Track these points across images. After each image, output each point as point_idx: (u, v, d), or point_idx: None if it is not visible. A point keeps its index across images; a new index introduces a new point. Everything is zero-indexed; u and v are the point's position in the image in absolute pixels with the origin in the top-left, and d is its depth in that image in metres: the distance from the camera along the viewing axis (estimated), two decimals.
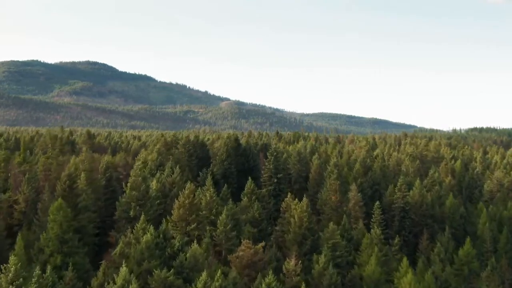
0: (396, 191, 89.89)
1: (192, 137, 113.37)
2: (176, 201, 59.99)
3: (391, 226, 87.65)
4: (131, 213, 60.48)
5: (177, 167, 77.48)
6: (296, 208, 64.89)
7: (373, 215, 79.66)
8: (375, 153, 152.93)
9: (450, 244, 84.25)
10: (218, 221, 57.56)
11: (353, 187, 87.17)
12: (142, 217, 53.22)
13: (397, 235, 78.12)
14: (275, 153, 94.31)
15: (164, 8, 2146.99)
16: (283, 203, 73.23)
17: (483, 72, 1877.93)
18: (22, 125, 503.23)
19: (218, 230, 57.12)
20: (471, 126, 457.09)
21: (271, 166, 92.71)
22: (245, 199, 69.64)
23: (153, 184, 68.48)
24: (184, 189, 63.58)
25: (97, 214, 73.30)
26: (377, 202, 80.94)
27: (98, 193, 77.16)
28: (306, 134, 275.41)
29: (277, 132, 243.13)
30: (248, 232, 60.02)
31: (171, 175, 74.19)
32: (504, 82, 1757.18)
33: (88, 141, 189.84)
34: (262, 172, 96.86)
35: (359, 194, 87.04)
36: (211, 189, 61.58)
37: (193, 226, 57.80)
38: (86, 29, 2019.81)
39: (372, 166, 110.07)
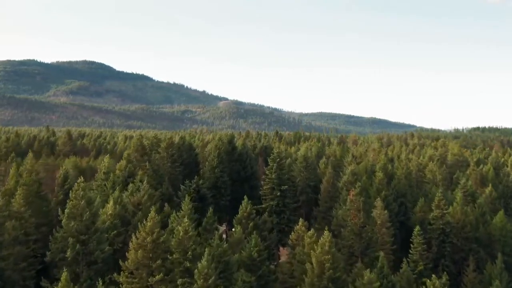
0: (434, 207, 70.59)
1: (177, 138, 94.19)
2: (133, 237, 40.77)
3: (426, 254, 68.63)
4: (68, 253, 41.17)
5: (145, 181, 57.74)
6: (312, 244, 45.53)
7: (411, 245, 60.52)
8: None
9: (504, 277, 65.36)
10: (197, 270, 38.03)
11: (379, 202, 68.24)
12: (65, 275, 33.76)
13: (443, 271, 59.04)
14: (278, 159, 75.36)
15: (162, 8, 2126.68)
16: (292, 233, 53.92)
17: (482, 72, 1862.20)
18: (17, 125, 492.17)
19: (196, 285, 37.65)
20: (469, 125, 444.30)
21: (273, 176, 73.84)
22: (238, 228, 50.14)
23: (108, 206, 49.08)
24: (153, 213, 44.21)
25: (42, 244, 54.57)
26: (417, 227, 61.61)
27: (45, 214, 58.23)
28: (308, 134, 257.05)
29: (277, 132, 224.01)
30: (243, 283, 40.94)
31: (137, 191, 54.55)
32: (501, 82, 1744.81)
33: (69, 142, 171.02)
34: (263, 182, 78.00)
35: (385, 211, 68.24)
36: (186, 220, 41.75)
37: (158, 277, 38.24)
38: (83, 28, 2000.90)
39: (395, 174, 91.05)
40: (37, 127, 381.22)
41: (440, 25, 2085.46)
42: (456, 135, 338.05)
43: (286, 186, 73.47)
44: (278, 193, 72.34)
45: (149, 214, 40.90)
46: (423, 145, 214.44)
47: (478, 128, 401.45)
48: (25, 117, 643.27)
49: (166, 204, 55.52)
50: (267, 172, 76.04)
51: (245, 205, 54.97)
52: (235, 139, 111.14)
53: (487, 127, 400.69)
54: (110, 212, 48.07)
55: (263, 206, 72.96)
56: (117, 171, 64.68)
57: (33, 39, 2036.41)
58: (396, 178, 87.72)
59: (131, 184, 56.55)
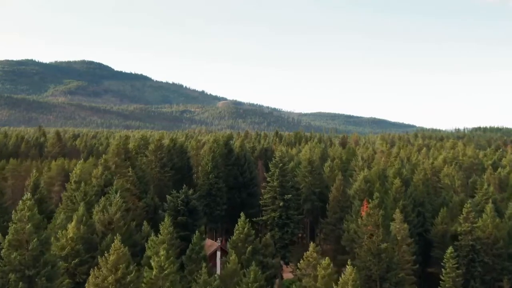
0: (461, 220, 60.91)
1: (167, 140, 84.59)
2: (91, 275, 31.06)
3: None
4: None
5: (118, 192, 47.58)
6: (327, 278, 36.00)
7: (443, 269, 51.01)
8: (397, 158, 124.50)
9: None
10: None
11: (398, 214, 58.81)
12: None
13: None
14: (280, 165, 65.94)
15: (161, 8, 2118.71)
16: (301, 261, 44.23)
17: (481, 72, 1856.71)
18: (14, 125, 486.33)
19: None
20: (468, 125, 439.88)
21: (275, 184, 64.46)
22: (233, 256, 40.37)
23: (70, 228, 39.18)
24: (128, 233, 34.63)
25: None
26: (450, 249, 52.03)
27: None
28: (308, 134, 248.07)
29: (277, 132, 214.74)
30: None
31: (108, 207, 44.41)
32: (500, 82, 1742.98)
33: (58, 143, 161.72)
34: (263, 190, 68.63)
35: (405, 225, 58.82)
36: (163, 251, 31.96)
37: None
38: (82, 28, 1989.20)
39: (411, 179, 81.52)
40: (33, 128, 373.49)
41: (439, 25, 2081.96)
42: (459, 135, 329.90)
43: (290, 195, 64.15)
44: (281, 203, 63.05)
45: (113, 244, 31.25)
46: (428, 146, 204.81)
47: (479, 128, 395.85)
48: (23, 117, 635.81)
49: (144, 223, 45.88)
50: (268, 179, 66.71)
51: (241, 225, 44.86)
52: (233, 141, 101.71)
53: (488, 127, 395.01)
54: (71, 235, 38.38)
55: (264, 218, 63.76)
56: (93, 179, 54.92)
57: (31, 39, 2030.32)
58: (413, 184, 78.23)
59: (103, 197, 46.68)
